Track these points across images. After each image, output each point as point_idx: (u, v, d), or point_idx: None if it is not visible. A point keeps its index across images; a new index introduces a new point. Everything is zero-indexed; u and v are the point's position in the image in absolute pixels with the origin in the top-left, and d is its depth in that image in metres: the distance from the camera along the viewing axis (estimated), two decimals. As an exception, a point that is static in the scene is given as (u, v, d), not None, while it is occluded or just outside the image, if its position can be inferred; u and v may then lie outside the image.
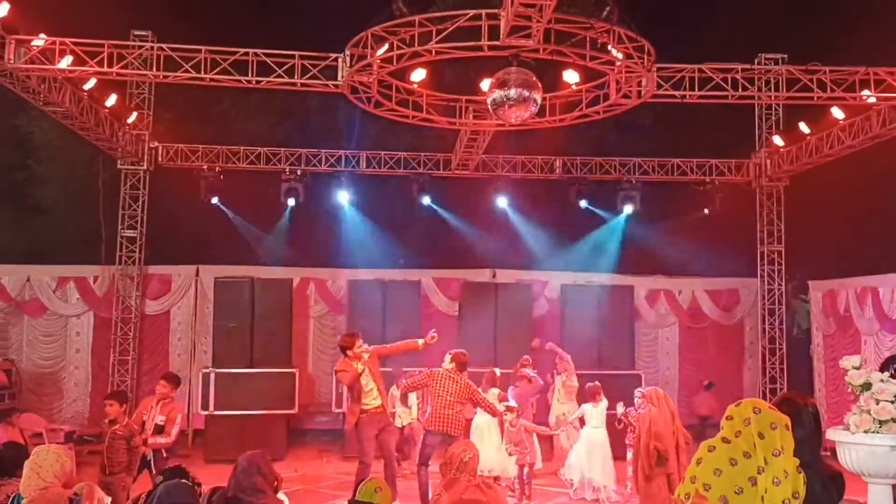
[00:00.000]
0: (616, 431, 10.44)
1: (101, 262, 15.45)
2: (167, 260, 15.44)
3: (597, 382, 10.59)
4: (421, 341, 9.59)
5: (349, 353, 9.29)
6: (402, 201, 15.76)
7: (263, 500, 4.56)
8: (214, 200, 14.99)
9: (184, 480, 4.74)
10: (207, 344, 14.46)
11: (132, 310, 14.65)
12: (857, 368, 3.15)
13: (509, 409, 10.07)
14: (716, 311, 16.50)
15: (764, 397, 13.71)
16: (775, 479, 2.63)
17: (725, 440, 2.73)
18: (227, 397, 12.94)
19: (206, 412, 13.05)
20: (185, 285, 15.32)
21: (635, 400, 9.88)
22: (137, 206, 14.68)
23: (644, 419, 8.24)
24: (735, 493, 2.63)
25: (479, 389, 9.90)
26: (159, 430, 8.49)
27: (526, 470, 10.10)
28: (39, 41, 10.30)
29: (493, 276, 15.84)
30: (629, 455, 10.52)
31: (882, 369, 5.38)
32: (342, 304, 15.25)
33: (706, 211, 15.56)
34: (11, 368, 13.83)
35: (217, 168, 14.68)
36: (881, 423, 2.96)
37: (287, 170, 14.76)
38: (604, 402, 10.35)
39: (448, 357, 9.47)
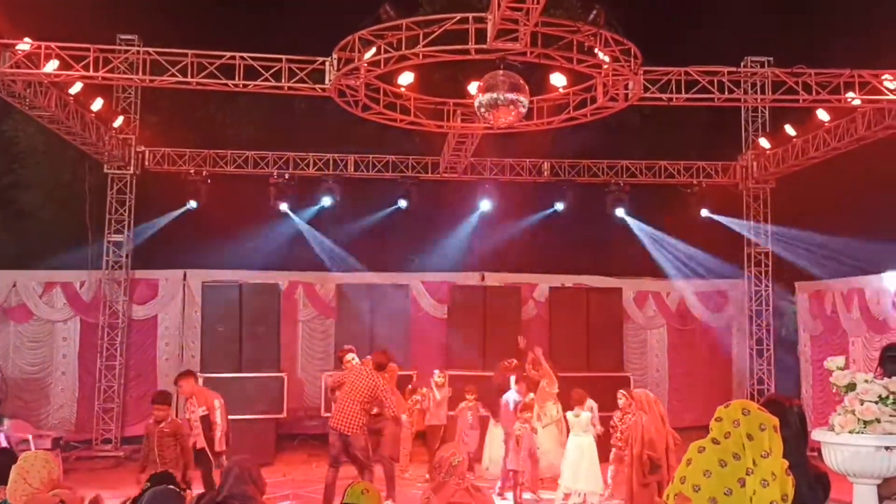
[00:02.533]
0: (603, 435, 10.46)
1: (88, 266, 15.34)
2: (154, 265, 15.37)
3: (580, 389, 10.56)
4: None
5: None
6: (391, 204, 15.76)
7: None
8: (202, 204, 14.92)
9: (171, 486, 4.73)
10: (195, 349, 14.40)
11: (119, 315, 14.58)
12: (842, 369, 3.17)
13: (526, 406, 10.27)
14: (704, 313, 16.56)
15: (752, 398, 13.77)
16: (763, 481, 2.63)
17: (715, 441, 2.74)
18: (216, 402, 12.87)
19: (195, 417, 12.98)
20: (173, 290, 15.25)
21: (619, 401, 9.86)
22: (124, 211, 14.62)
23: (636, 427, 8.15)
24: (724, 494, 2.64)
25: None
26: (205, 421, 8.98)
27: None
28: (25, 45, 10.25)
29: (482, 279, 15.87)
30: (611, 455, 10.56)
31: (881, 358, 5.40)
32: (331, 308, 15.23)
33: (704, 212, 15.55)
34: (-3, 374, 13.74)
35: (204, 172, 14.64)
36: (865, 423, 2.98)
37: (275, 173, 14.74)
38: (586, 414, 10.31)
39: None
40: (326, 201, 14.95)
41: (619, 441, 9.90)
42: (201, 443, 8.89)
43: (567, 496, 10.28)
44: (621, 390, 9.95)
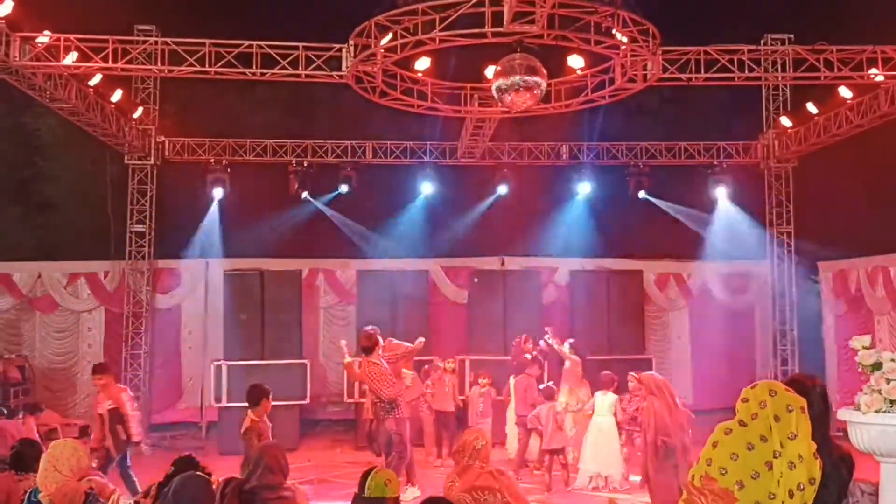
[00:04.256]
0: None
1: (111, 257, 15.50)
2: (176, 254, 15.49)
3: (609, 372, 10.57)
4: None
5: None
6: (409, 190, 15.78)
7: (280, 494, 4.58)
8: (222, 193, 15.03)
9: (199, 473, 4.77)
10: (218, 337, 14.51)
11: (143, 304, 14.71)
12: (868, 348, 3.13)
13: (549, 391, 10.41)
14: (726, 294, 16.44)
15: (775, 379, 13.67)
16: (790, 464, 2.62)
17: (742, 423, 2.72)
18: (240, 389, 12.92)
19: (219, 405, 13.11)
20: (195, 279, 15.36)
21: (629, 384, 9.80)
22: (145, 201, 14.72)
23: (648, 412, 8.07)
24: (751, 477, 2.62)
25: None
26: (116, 414, 9.05)
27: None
28: (44, 38, 10.32)
29: (502, 263, 15.83)
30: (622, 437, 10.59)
31: None
32: (352, 295, 15.28)
33: (725, 193, 15.43)
34: (24, 364, 13.92)
35: (224, 161, 14.71)
36: (892, 402, 2.95)
37: (294, 161, 14.78)
38: (613, 396, 10.31)
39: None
40: (344, 188, 15.02)
41: (629, 422, 9.99)
42: (108, 441, 9.03)
43: (591, 478, 10.29)
44: (631, 373, 9.81)
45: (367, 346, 9.64)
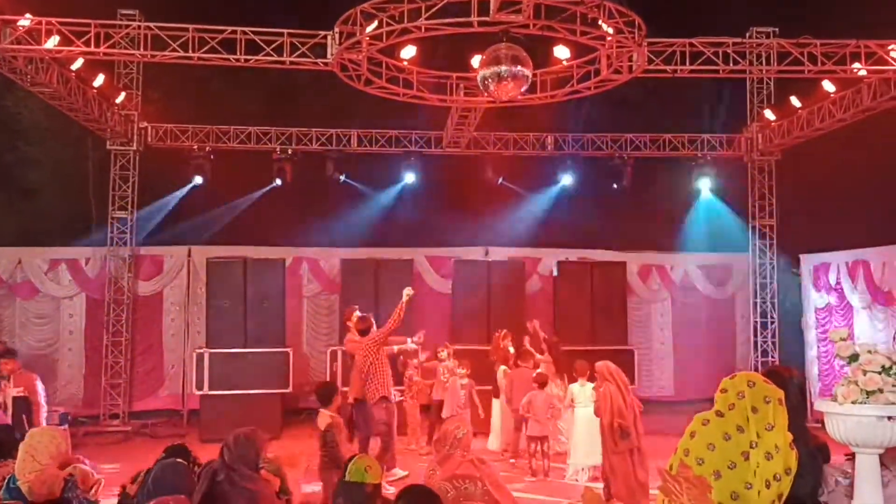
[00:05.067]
0: None
1: (93, 243, 15.37)
2: (159, 241, 15.39)
3: (582, 360, 10.57)
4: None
5: None
6: (394, 179, 15.75)
7: (252, 482, 4.56)
8: (205, 180, 14.95)
9: (179, 460, 4.77)
10: (201, 324, 14.45)
11: (124, 291, 14.62)
12: (845, 340, 3.17)
13: (541, 377, 10.52)
14: (708, 286, 16.56)
15: (755, 371, 13.78)
16: (767, 454, 2.64)
17: (719, 413, 2.74)
18: (222, 377, 12.96)
19: (201, 392, 13.06)
20: (178, 266, 15.27)
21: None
22: (128, 187, 14.61)
23: (604, 397, 8.24)
24: (728, 467, 2.65)
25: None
26: (24, 402, 8.83)
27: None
28: (25, 21, 10.21)
29: (486, 253, 15.85)
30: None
31: None
32: (335, 283, 15.25)
33: (708, 185, 15.53)
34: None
35: (207, 148, 14.62)
36: (868, 393, 2.98)
37: (278, 149, 14.71)
38: (591, 385, 10.33)
39: None
40: (330, 176, 14.97)
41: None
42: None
43: (576, 471, 10.31)
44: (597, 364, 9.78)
45: (362, 329, 9.97)
